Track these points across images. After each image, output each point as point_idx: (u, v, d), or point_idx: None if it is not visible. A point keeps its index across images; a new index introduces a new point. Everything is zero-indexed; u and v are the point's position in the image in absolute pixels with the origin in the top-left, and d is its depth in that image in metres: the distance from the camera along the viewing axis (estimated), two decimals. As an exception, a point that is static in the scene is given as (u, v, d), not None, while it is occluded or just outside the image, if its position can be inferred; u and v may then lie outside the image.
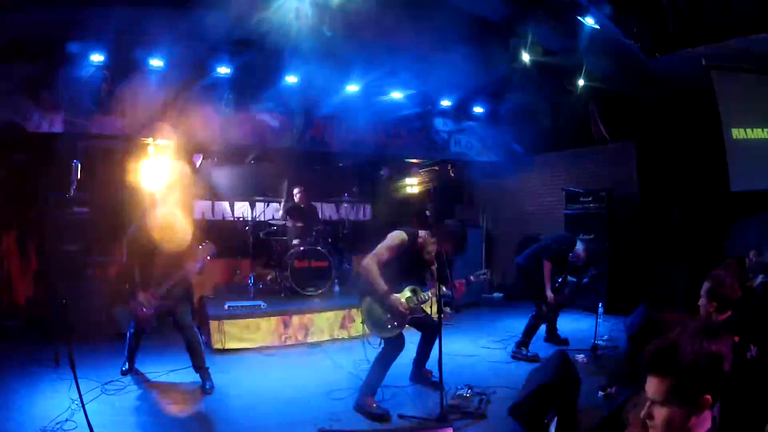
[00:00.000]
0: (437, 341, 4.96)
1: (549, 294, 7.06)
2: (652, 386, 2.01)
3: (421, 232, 5.36)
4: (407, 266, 5.27)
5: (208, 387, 5.55)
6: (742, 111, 8.08)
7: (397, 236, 5.23)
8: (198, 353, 5.62)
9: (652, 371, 2.01)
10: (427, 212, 12.25)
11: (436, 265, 5.31)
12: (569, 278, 7.57)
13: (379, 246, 5.20)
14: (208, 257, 5.53)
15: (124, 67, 8.22)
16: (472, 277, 5.63)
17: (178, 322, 5.58)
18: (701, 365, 1.94)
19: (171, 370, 6.06)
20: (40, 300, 7.82)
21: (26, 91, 7.77)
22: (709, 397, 1.93)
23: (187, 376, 5.84)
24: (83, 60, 7.83)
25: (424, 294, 5.26)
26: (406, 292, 5.22)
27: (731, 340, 2.05)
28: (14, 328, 7.20)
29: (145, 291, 5.44)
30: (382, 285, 5.03)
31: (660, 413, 1.98)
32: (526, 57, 8.10)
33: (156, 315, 5.55)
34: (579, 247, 7.37)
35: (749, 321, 3.73)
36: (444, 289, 5.24)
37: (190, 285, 5.79)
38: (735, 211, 8.46)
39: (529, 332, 7.05)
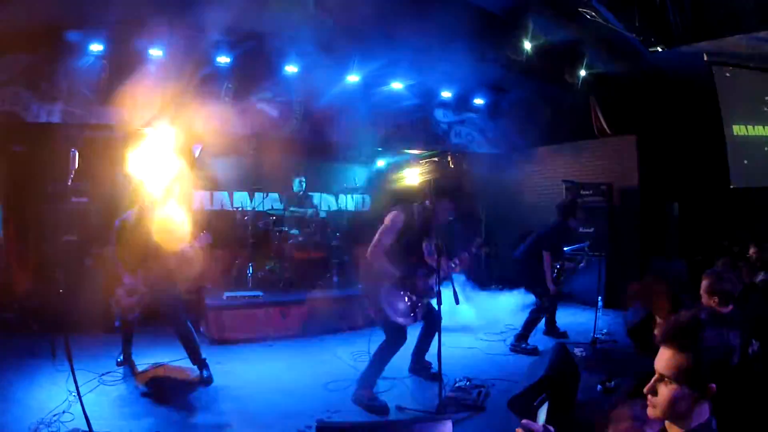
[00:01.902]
0: (438, 334, 4.95)
1: (551, 286, 7.04)
2: (665, 359, 1.97)
3: (415, 205, 5.34)
4: (411, 246, 5.21)
5: (205, 377, 5.54)
6: (743, 108, 8.09)
7: (396, 217, 5.14)
8: (192, 346, 5.61)
9: (671, 343, 1.98)
10: (427, 202, 12.20)
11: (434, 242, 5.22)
12: (567, 264, 7.53)
13: (380, 232, 5.11)
14: (203, 245, 5.55)
15: (123, 57, 8.19)
16: (473, 249, 5.60)
17: (169, 316, 5.58)
18: (719, 350, 1.92)
19: (168, 361, 6.05)
20: (38, 291, 7.80)
21: (25, 81, 7.73)
22: (714, 386, 1.91)
23: (186, 366, 5.82)
24: (82, 50, 7.81)
25: (433, 279, 5.17)
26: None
27: (741, 335, 2.03)
28: (12, 320, 7.18)
29: (131, 277, 5.44)
30: (395, 271, 5.01)
31: (666, 390, 1.95)
32: (527, 48, 8.06)
33: (140, 304, 5.52)
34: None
35: (751, 316, 3.73)
36: (449, 264, 5.25)
37: (174, 279, 5.77)
38: (735, 207, 8.45)
39: (529, 325, 7.03)
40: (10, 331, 6.97)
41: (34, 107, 7.83)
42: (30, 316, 7.22)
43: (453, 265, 5.33)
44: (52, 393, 4.97)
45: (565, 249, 7.43)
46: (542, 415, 2.78)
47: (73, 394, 4.28)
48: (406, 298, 5.09)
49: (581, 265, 7.95)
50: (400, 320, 5.07)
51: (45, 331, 6.35)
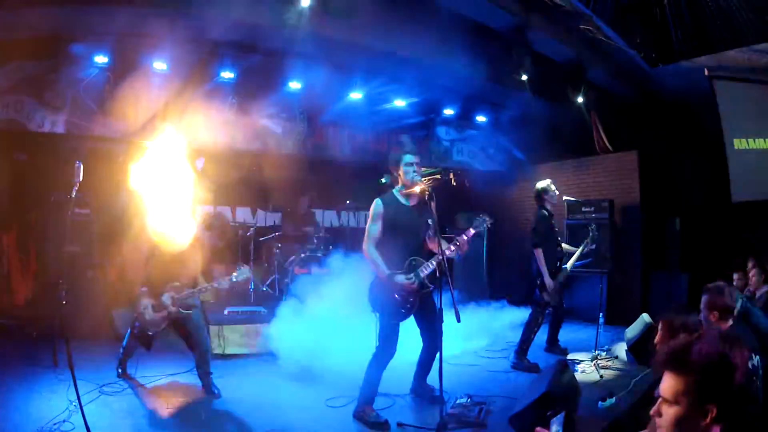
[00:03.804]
0: (439, 351, 4.89)
1: (548, 281, 6.88)
2: (666, 384, 2.02)
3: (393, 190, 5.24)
4: (401, 236, 5.06)
5: (216, 392, 5.54)
6: (744, 121, 8.11)
7: (376, 205, 5.07)
8: (207, 358, 5.62)
9: (669, 368, 2.02)
10: (429, 221, 12.21)
11: (433, 222, 5.06)
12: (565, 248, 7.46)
13: (367, 225, 5.10)
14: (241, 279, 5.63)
15: (127, 69, 8.26)
16: (472, 230, 5.30)
17: (194, 323, 5.58)
18: (715, 369, 1.94)
19: (170, 374, 6.04)
20: (39, 300, 7.82)
21: (29, 89, 7.80)
22: (714, 408, 1.91)
23: (186, 379, 5.84)
24: (87, 61, 7.86)
25: (426, 266, 5.05)
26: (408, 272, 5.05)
27: (746, 353, 2.04)
28: (13, 328, 7.18)
29: (161, 293, 5.46)
30: (383, 268, 4.92)
31: (668, 412, 1.98)
32: (529, 66, 8.11)
33: (165, 321, 5.51)
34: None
35: (751, 330, 3.73)
36: (449, 249, 5.08)
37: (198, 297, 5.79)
38: (736, 221, 8.45)
39: (526, 341, 6.96)
40: (11, 339, 6.97)
41: (38, 116, 7.89)
42: (31, 323, 7.22)
43: (452, 248, 5.20)
44: (52, 401, 4.96)
45: (577, 263, 7.38)
46: (555, 426, 2.78)
47: (74, 403, 4.27)
48: (396, 294, 4.99)
49: (588, 260, 7.80)
50: (392, 317, 5.01)
51: (45, 339, 6.36)
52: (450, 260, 5.44)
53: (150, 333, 5.60)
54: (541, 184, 7.41)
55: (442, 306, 4.65)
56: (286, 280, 8.96)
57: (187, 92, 8.89)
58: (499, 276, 11.46)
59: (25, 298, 7.98)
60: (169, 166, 6.54)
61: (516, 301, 9.97)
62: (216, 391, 5.53)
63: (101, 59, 7.84)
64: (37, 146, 8.13)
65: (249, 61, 8.39)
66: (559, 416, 2.83)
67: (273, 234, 9.62)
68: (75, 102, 8.15)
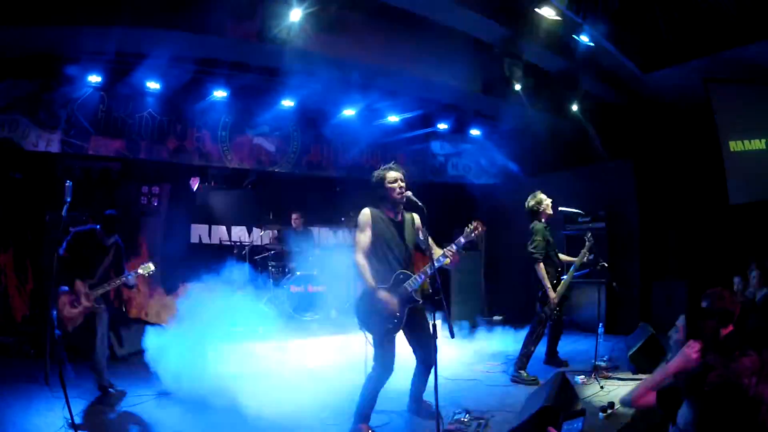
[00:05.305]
0: (433, 370, 4.81)
1: (551, 295, 6.85)
2: None
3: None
4: (389, 251, 5.00)
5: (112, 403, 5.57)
6: (740, 123, 8.12)
7: (363, 214, 5.00)
8: (101, 369, 5.69)
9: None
10: (420, 236, 12.19)
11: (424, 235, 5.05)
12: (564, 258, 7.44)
13: (355, 234, 5.00)
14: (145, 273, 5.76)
15: (121, 89, 8.28)
16: (462, 238, 5.12)
17: (95, 329, 5.65)
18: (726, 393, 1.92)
19: (160, 393, 5.96)
20: (37, 318, 7.82)
21: (23, 109, 7.85)
22: None
23: (179, 397, 5.79)
24: (81, 80, 7.90)
25: (414, 279, 4.94)
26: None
27: None
28: (11, 345, 7.21)
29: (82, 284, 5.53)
30: (370, 280, 4.81)
31: None
32: (522, 77, 8.10)
33: (83, 315, 5.57)
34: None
35: (751, 333, 3.67)
36: (438, 261, 4.97)
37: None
38: (734, 225, 8.40)
39: (526, 354, 6.89)
40: (9, 355, 7.02)
41: (33, 135, 7.94)
42: (28, 340, 7.26)
43: (441, 260, 5.12)
44: (48, 419, 4.93)
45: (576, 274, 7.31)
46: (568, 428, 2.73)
47: (69, 421, 4.25)
48: (381, 308, 4.83)
49: (585, 270, 7.71)
50: (380, 332, 4.89)
51: (42, 357, 6.39)
52: (446, 276, 5.37)
53: (69, 330, 5.62)
54: (534, 197, 7.39)
55: (435, 322, 4.57)
56: (282, 298, 8.90)
57: (180, 111, 8.90)
58: (496, 291, 11.39)
59: (23, 315, 8.01)
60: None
61: (514, 317, 9.89)
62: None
63: (95, 78, 7.87)
64: (32, 165, 8.16)
65: (242, 79, 8.40)
66: (576, 420, 2.78)
67: (268, 252, 9.58)
68: (69, 122, 8.20)
